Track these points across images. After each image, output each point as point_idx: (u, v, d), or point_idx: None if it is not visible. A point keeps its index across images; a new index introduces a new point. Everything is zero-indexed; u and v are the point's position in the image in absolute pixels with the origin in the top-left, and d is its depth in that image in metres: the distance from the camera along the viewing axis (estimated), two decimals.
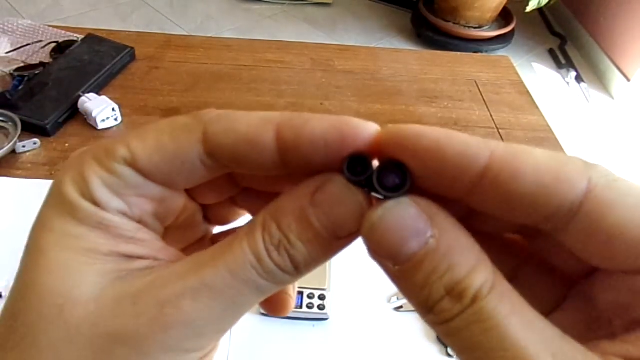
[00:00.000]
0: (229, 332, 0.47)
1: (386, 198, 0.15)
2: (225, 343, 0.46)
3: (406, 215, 0.15)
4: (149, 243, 0.17)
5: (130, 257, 0.16)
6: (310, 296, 0.49)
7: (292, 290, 0.22)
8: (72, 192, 0.16)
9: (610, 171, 0.14)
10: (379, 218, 0.15)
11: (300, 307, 0.48)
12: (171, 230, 0.19)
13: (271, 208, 0.16)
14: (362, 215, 0.15)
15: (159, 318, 0.15)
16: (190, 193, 0.20)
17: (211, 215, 0.22)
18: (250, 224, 0.16)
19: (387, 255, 0.15)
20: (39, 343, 0.15)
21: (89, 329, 0.15)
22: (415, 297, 0.15)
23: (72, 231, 0.16)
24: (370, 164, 0.16)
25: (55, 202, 0.16)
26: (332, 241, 0.16)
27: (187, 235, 0.21)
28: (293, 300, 0.22)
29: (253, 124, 0.16)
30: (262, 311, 0.48)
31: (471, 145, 0.15)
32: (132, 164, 0.16)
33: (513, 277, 0.17)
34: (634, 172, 1.84)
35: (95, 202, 0.16)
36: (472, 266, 0.14)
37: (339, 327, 0.49)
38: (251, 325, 0.48)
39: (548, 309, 0.17)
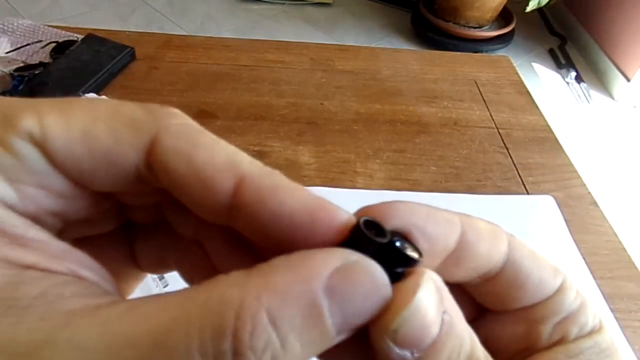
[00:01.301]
0: None
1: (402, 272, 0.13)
2: None
3: (434, 300, 0.12)
4: (46, 245, 0.12)
5: (20, 267, 0.11)
6: None
7: None
8: None
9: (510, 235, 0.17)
10: (418, 303, 0.12)
11: None
12: (71, 224, 0.14)
13: (257, 286, 0.11)
14: (379, 310, 0.12)
15: None
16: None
17: (130, 212, 0.17)
18: (212, 297, 0.10)
19: (412, 343, 0.12)
20: None
21: None
22: None
23: None
24: (385, 229, 0.13)
25: None
26: (334, 341, 0.12)
27: (93, 228, 0.16)
28: None
29: (214, 162, 0.12)
30: None
31: (448, 214, 0.15)
32: (40, 144, 0.12)
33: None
34: (634, 172, 1.84)
35: None
36: (469, 337, 0.13)
37: None
38: None
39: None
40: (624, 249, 0.58)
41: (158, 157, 0.12)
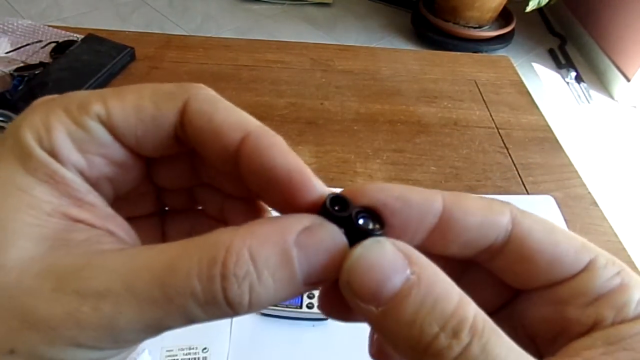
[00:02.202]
0: (228, 331, 0.47)
1: (364, 238, 0.15)
2: (225, 343, 0.46)
3: (385, 252, 0.14)
4: (98, 209, 0.16)
5: (74, 220, 0.15)
6: (310, 296, 0.49)
7: None
8: (28, 139, 0.15)
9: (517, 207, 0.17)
10: (358, 256, 0.14)
11: (300, 307, 0.48)
12: (120, 202, 0.18)
13: (244, 231, 0.14)
14: (339, 266, 0.15)
15: (74, 314, 0.13)
16: (151, 171, 0.19)
17: (166, 199, 0.21)
18: (208, 239, 0.14)
19: (369, 295, 0.14)
20: None
21: (5, 300, 0.13)
22: (405, 339, 0.14)
23: (19, 181, 0.14)
24: (350, 205, 0.16)
25: (7, 147, 0.15)
26: (301, 286, 0.15)
27: (135, 210, 0.20)
28: None
29: (228, 121, 0.16)
30: (262, 311, 0.48)
31: (427, 193, 0.17)
32: (106, 122, 0.16)
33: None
34: (634, 172, 1.84)
35: (53, 153, 0.15)
36: (458, 299, 0.14)
37: (339, 327, 0.49)
38: (251, 325, 0.48)
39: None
40: (624, 249, 0.58)
41: (187, 117, 0.16)
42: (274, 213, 0.18)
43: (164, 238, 0.21)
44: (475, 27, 2.31)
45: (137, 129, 0.16)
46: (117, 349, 0.14)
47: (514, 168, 0.68)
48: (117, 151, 0.16)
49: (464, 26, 2.29)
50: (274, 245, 0.14)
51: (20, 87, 0.66)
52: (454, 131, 0.73)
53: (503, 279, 0.18)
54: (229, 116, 0.16)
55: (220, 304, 0.13)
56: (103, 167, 0.16)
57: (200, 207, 0.21)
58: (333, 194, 0.16)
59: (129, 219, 0.18)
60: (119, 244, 0.16)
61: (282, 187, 0.16)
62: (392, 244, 0.15)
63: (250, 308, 0.14)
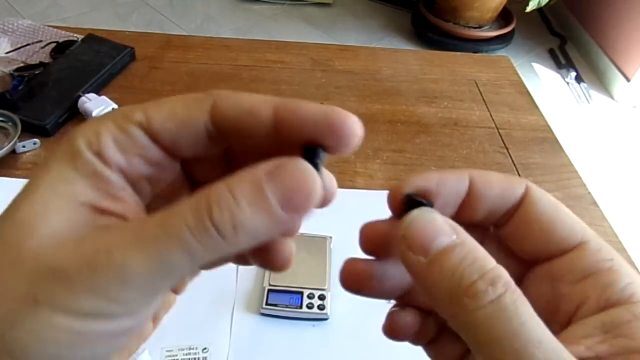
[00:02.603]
0: (228, 331, 0.47)
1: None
2: (225, 343, 0.46)
3: (436, 218, 0.18)
4: (128, 205, 0.18)
5: (102, 212, 0.18)
6: (310, 296, 0.49)
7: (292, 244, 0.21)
8: (79, 143, 0.18)
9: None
10: (414, 216, 0.19)
11: (300, 307, 0.48)
12: (159, 200, 0.21)
13: (227, 178, 0.17)
14: (313, 191, 0.17)
15: (90, 261, 0.15)
16: (186, 170, 0.21)
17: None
18: (203, 190, 0.17)
19: (420, 247, 0.18)
20: None
21: (32, 259, 0.16)
22: (445, 285, 0.17)
23: (65, 175, 0.17)
24: (320, 154, 0.18)
25: (62, 150, 0.18)
26: (280, 214, 0.16)
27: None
28: (292, 253, 0.21)
29: (255, 100, 0.18)
30: (262, 311, 0.48)
31: (457, 173, 0.21)
32: (145, 127, 0.18)
33: None
34: (634, 172, 1.84)
35: (99, 155, 0.18)
36: (494, 263, 0.17)
37: (339, 327, 0.49)
38: (251, 325, 0.48)
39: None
40: (624, 249, 0.58)
41: (218, 112, 0.18)
42: None
43: None
44: (475, 27, 2.31)
45: (171, 130, 0.18)
46: (129, 302, 0.16)
47: (514, 168, 0.68)
48: (155, 152, 0.19)
49: (464, 26, 2.29)
50: (247, 181, 0.16)
51: (20, 87, 0.66)
52: (454, 131, 0.73)
53: (511, 247, 0.21)
54: (253, 98, 0.19)
55: (209, 229, 0.15)
56: (142, 166, 0.19)
57: None
58: (309, 143, 0.19)
59: None
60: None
61: (322, 130, 0.18)
62: (442, 215, 0.19)
63: (236, 233, 0.16)
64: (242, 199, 0.16)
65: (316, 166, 0.18)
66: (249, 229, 0.16)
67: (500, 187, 0.21)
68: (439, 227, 0.18)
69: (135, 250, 0.15)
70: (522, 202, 0.20)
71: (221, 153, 0.21)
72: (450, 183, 0.21)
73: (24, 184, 0.18)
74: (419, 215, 0.19)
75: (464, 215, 0.21)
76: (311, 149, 0.18)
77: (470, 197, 0.21)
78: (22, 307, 0.15)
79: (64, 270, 0.15)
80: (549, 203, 0.20)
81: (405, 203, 0.20)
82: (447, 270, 0.17)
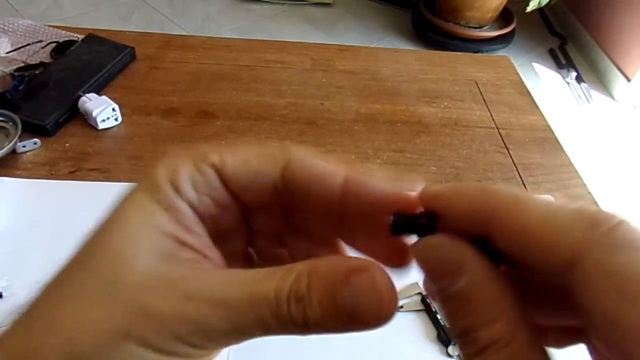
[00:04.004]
0: None
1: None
2: None
3: (443, 251, 0.17)
4: (201, 238, 0.20)
5: (183, 244, 0.19)
6: None
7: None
8: (161, 177, 0.19)
9: (626, 236, 0.14)
10: (421, 246, 0.18)
11: None
12: (217, 239, 0.22)
13: (312, 263, 0.18)
14: (380, 313, 0.17)
15: (180, 311, 0.17)
16: (248, 217, 0.23)
17: (256, 243, 0.25)
18: (289, 267, 0.18)
19: (428, 279, 0.18)
20: (91, 286, 0.17)
21: (128, 294, 0.17)
22: (446, 321, 0.18)
23: (149, 206, 0.19)
24: (411, 214, 0.19)
25: (145, 183, 0.19)
26: (346, 320, 0.17)
27: (228, 248, 0.23)
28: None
29: (327, 169, 0.19)
30: None
31: (480, 195, 0.18)
32: (219, 170, 0.20)
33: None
34: (634, 172, 1.84)
35: (177, 190, 0.19)
36: (489, 320, 0.15)
37: None
38: None
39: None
40: None
41: (289, 173, 0.19)
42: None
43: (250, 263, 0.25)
44: (475, 27, 2.31)
45: (242, 179, 0.20)
46: (207, 349, 0.18)
47: (514, 168, 0.68)
48: (223, 195, 0.20)
49: (465, 26, 2.29)
50: (325, 278, 0.17)
51: (21, 87, 0.66)
52: (454, 131, 0.73)
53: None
54: (328, 164, 0.20)
55: (285, 318, 0.17)
56: (210, 206, 0.20)
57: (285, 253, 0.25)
58: (398, 212, 0.19)
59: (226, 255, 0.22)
60: (215, 269, 0.20)
61: (385, 205, 0.19)
62: (451, 242, 0.17)
63: (307, 327, 0.17)
64: (314, 298, 0.17)
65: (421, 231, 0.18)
66: (317, 327, 0.17)
67: (543, 236, 0.15)
68: (445, 264, 0.17)
69: (222, 314, 0.17)
70: (572, 271, 0.14)
71: (284, 204, 0.22)
72: (465, 202, 0.18)
73: (112, 210, 0.19)
74: (425, 244, 0.18)
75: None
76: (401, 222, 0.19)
77: (495, 228, 0.17)
78: (114, 339, 0.16)
79: (158, 314, 0.17)
80: (614, 288, 0.13)
81: (409, 225, 0.19)
82: (444, 314, 0.17)
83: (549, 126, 0.76)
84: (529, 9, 2.11)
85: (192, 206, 0.19)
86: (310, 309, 0.17)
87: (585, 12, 2.47)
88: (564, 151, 0.72)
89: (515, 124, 0.76)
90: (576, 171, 0.69)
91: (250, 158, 0.20)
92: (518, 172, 0.67)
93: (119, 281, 0.17)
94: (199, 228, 0.20)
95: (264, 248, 0.24)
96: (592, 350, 0.16)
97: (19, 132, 0.60)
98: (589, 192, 0.65)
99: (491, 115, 0.77)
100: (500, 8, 2.28)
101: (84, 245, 0.19)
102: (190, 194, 0.19)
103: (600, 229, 0.14)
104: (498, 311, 0.15)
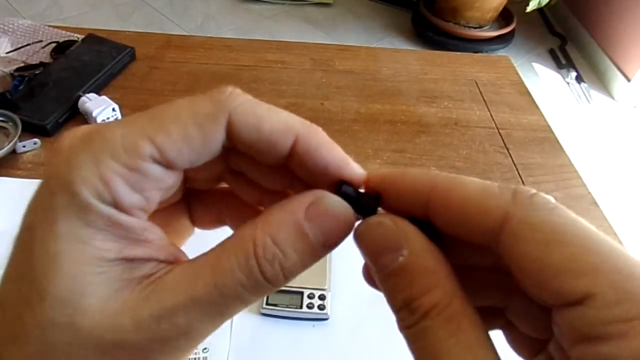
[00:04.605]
0: (228, 331, 0.47)
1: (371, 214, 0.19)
2: (225, 343, 0.46)
3: (384, 229, 0.18)
4: (153, 244, 0.18)
5: (133, 260, 0.17)
6: (310, 296, 0.49)
7: None
8: (86, 195, 0.15)
9: (542, 201, 0.16)
10: (363, 227, 0.18)
11: (300, 307, 0.48)
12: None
13: (262, 223, 0.17)
14: (350, 226, 0.18)
15: (156, 332, 0.16)
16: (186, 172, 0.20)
17: (194, 182, 0.23)
18: (237, 239, 0.17)
19: (369, 260, 0.18)
20: (54, 347, 0.15)
21: (96, 338, 0.16)
22: (386, 299, 0.18)
23: (81, 235, 0.16)
24: (357, 191, 0.19)
25: (64, 203, 0.16)
26: (321, 250, 0.18)
27: (167, 200, 0.22)
28: None
29: (276, 128, 0.18)
30: (263, 311, 0.48)
31: (421, 177, 0.18)
32: (160, 160, 0.17)
33: (506, 305, 0.19)
34: (634, 172, 1.84)
35: (114, 204, 0.16)
36: (428, 287, 0.16)
37: (339, 327, 0.49)
38: (251, 325, 0.48)
39: (543, 335, 0.18)
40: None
41: (234, 134, 0.17)
42: None
43: (190, 216, 0.23)
44: (475, 27, 2.31)
45: (189, 156, 0.17)
46: (195, 344, 0.17)
47: (514, 168, 0.68)
48: (170, 177, 0.18)
49: (465, 26, 2.29)
50: (288, 226, 0.17)
51: (21, 87, 0.66)
52: (455, 131, 0.73)
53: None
54: (274, 123, 0.18)
55: (262, 284, 0.17)
56: (156, 196, 0.18)
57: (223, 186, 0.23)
58: (345, 181, 0.19)
59: (159, 210, 0.20)
60: (172, 271, 0.18)
61: (331, 176, 0.19)
62: (392, 221, 0.18)
63: (287, 279, 0.17)
64: (288, 248, 0.17)
65: (351, 201, 0.19)
66: (297, 271, 0.17)
67: (470, 208, 0.17)
68: (386, 242, 0.17)
69: (195, 312, 0.16)
70: (500, 233, 0.16)
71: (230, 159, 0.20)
72: (407, 184, 0.19)
73: (27, 249, 0.16)
74: (367, 225, 0.18)
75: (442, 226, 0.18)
76: (343, 185, 0.19)
77: (433, 205, 0.18)
78: None
79: (134, 346, 0.16)
80: (538, 238, 0.15)
81: (354, 200, 0.19)
82: (386, 291, 0.17)
83: (549, 126, 0.76)
84: (529, 9, 2.11)
85: (139, 209, 0.17)
86: (286, 261, 0.17)
87: (585, 12, 2.47)
88: (564, 151, 0.72)
89: (515, 124, 0.76)
90: (576, 171, 0.69)
91: (188, 130, 0.16)
92: (518, 172, 0.67)
93: (80, 328, 0.15)
94: (146, 234, 0.17)
95: (202, 187, 0.23)
96: (507, 333, 0.20)
97: (19, 132, 0.60)
98: (589, 192, 0.65)
99: (491, 115, 0.77)
100: (500, 8, 2.28)
101: (14, 307, 0.16)
102: (134, 199, 0.16)
103: (522, 195, 0.16)
104: (435, 280, 0.16)
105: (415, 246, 0.17)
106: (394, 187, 0.19)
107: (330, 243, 0.18)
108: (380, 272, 0.17)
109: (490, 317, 0.20)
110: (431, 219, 0.18)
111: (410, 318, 0.16)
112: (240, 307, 0.17)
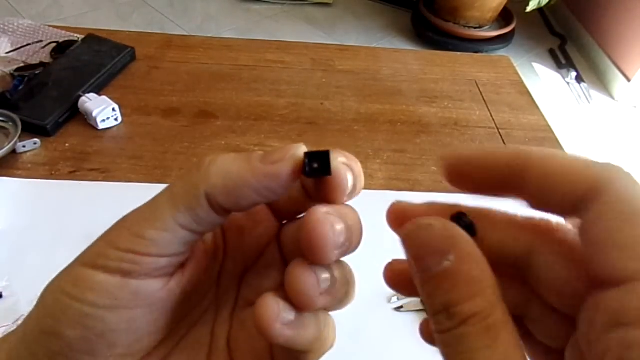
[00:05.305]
0: None
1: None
2: None
3: (434, 231, 0.17)
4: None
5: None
6: None
7: None
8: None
9: (632, 180, 0.16)
10: (412, 227, 0.18)
11: None
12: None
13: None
14: (295, 157, 0.19)
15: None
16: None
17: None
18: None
19: (412, 260, 0.18)
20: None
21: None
22: (425, 301, 0.17)
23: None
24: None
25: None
26: (256, 165, 0.19)
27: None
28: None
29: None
30: None
31: (513, 150, 0.18)
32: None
33: (525, 313, 0.19)
34: (634, 172, 1.83)
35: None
36: (471, 295, 0.16)
37: (338, 327, 0.48)
38: None
39: (560, 345, 0.18)
40: None
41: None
42: None
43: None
44: (475, 27, 2.31)
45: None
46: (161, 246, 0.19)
47: None
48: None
49: (465, 26, 2.29)
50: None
51: (21, 87, 0.66)
52: (455, 131, 0.73)
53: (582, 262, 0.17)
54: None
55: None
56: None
57: None
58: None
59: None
60: None
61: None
62: (442, 225, 0.17)
63: (209, 166, 0.19)
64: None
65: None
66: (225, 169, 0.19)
67: (558, 178, 0.17)
68: (434, 245, 0.17)
69: (149, 224, 0.19)
70: (587, 203, 0.16)
71: None
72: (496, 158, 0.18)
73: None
74: (417, 228, 0.18)
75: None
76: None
77: (529, 175, 0.17)
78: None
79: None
80: (617, 213, 0.15)
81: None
82: (426, 293, 0.17)
83: (549, 126, 0.76)
84: (529, 9, 2.11)
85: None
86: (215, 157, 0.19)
87: (585, 12, 2.47)
88: (563, 151, 0.72)
89: (515, 124, 0.76)
90: None
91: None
92: None
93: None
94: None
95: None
96: (524, 344, 0.19)
97: (19, 132, 0.60)
98: None
99: (491, 115, 0.77)
100: (500, 8, 2.28)
101: None
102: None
103: (617, 171, 0.16)
104: (479, 287, 0.16)
105: (462, 252, 0.17)
106: (481, 169, 0.19)
107: (267, 160, 0.20)
108: (423, 274, 0.17)
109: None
110: (522, 193, 0.18)
111: (448, 322, 0.16)
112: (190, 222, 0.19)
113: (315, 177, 0.20)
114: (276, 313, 0.19)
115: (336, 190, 0.20)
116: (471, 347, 0.15)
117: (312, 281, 0.19)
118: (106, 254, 0.19)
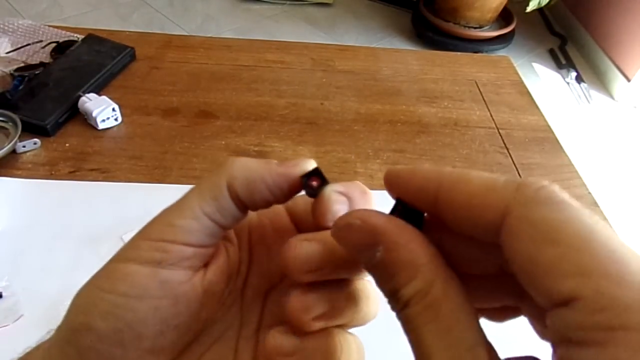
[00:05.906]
0: None
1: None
2: None
3: (355, 229, 0.18)
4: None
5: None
6: None
7: None
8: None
9: (547, 195, 0.15)
10: (335, 230, 0.19)
11: None
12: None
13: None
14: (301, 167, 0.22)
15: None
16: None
17: None
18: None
19: (353, 254, 0.19)
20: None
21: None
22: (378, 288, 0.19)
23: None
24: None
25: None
26: (272, 165, 0.22)
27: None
28: None
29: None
30: None
31: (429, 174, 0.19)
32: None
33: (519, 306, 0.20)
34: (634, 172, 1.84)
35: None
36: (408, 278, 0.17)
37: None
38: None
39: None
40: None
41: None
42: None
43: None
44: (475, 27, 2.31)
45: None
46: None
47: (514, 168, 0.68)
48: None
49: (464, 26, 2.29)
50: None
51: (21, 87, 0.66)
52: (455, 131, 0.73)
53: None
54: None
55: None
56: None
57: None
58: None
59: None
60: None
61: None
62: (362, 221, 0.18)
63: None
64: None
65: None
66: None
67: (473, 201, 0.17)
68: (359, 242, 0.18)
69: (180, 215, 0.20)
70: (501, 226, 0.16)
71: None
72: (417, 182, 0.19)
73: None
74: (338, 225, 0.19)
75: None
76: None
77: (440, 202, 0.18)
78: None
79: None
80: (533, 235, 0.15)
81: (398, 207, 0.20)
82: (375, 282, 0.18)
83: (549, 126, 0.76)
84: (529, 9, 2.11)
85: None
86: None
87: (585, 12, 2.47)
88: (563, 151, 0.72)
89: (515, 124, 0.76)
90: (576, 171, 0.69)
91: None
92: (518, 172, 0.67)
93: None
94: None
95: None
96: (531, 321, 0.19)
97: (19, 132, 0.60)
98: (589, 192, 0.65)
99: (491, 115, 0.77)
100: (500, 8, 2.28)
101: None
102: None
103: (526, 189, 0.16)
104: (414, 269, 0.17)
105: (388, 241, 0.17)
106: (406, 185, 0.19)
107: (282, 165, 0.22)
108: (365, 266, 0.18)
109: (509, 310, 0.20)
110: (441, 216, 0.18)
111: (397, 306, 0.17)
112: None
113: (307, 195, 0.21)
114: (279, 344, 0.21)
115: (317, 214, 0.21)
116: (417, 324, 0.16)
117: (297, 305, 0.20)
118: (139, 245, 0.20)
